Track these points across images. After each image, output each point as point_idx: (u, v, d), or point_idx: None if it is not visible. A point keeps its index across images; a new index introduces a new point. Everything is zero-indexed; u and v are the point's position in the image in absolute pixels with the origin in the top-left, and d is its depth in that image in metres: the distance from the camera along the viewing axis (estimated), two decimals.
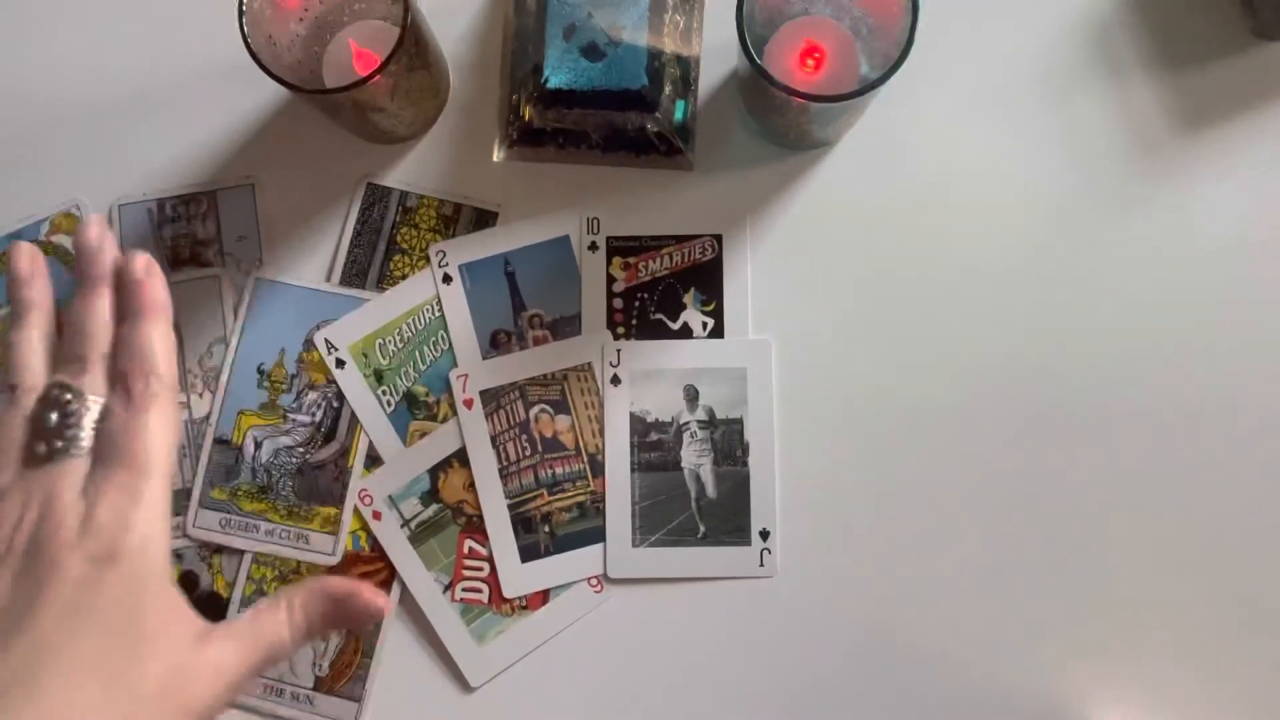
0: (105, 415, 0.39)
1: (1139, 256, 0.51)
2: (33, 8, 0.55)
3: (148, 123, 0.54)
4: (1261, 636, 0.49)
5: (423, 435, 0.51)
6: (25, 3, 0.56)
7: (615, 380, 0.51)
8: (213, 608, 0.51)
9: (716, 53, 0.53)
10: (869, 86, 0.43)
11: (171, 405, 0.40)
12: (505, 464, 0.51)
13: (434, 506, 0.51)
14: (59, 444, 0.38)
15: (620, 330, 0.52)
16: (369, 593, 0.41)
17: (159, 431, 0.39)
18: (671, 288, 0.52)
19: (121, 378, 0.39)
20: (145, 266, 0.41)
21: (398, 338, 0.52)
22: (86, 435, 0.38)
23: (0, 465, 0.38)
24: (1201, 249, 0.51)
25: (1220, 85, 0.51)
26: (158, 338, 0.40)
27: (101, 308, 0.41)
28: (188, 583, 0.51)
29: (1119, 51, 0.52)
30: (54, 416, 0.38)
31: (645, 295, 0.52)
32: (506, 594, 0.50)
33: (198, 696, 0.37)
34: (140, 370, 0.39)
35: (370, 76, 0.44)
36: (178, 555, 0.51)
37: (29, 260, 0.42)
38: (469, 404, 0.51)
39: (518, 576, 0.50)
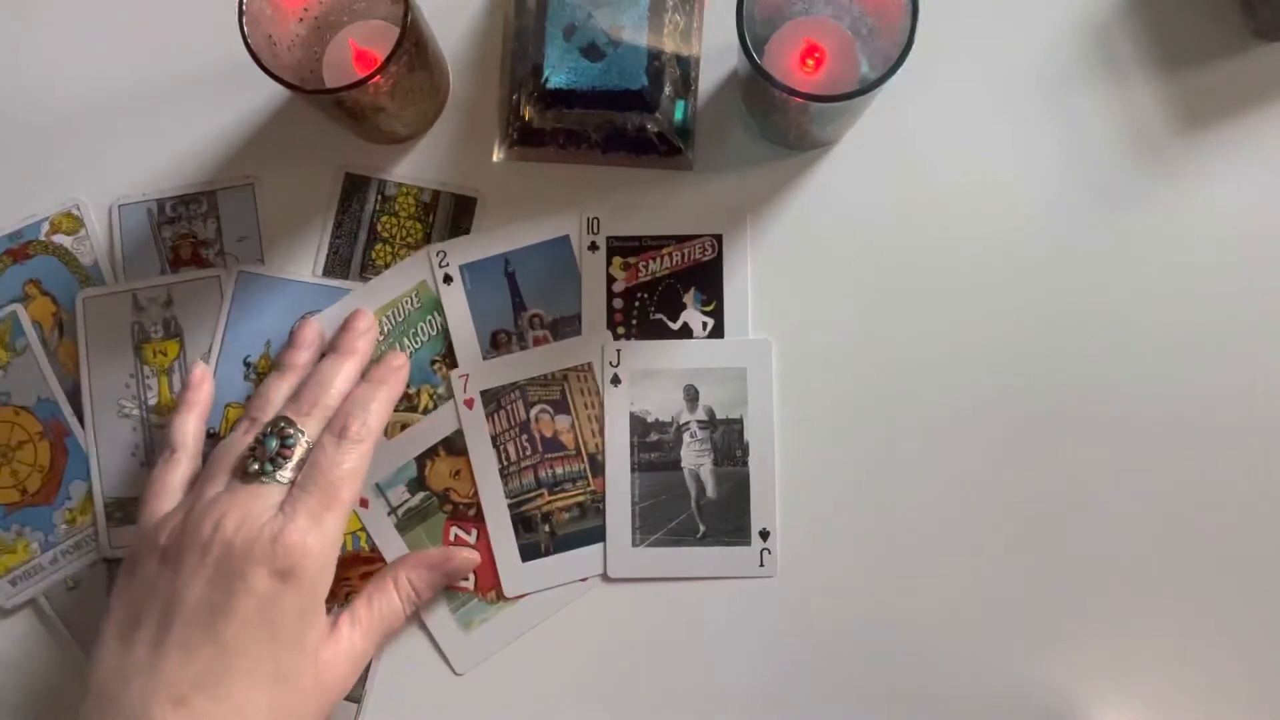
0: (314, 450, 0.45)
1: (1139, 257, 0.51)
2: (32, 7, 0.55)
3: (148, 123, 0.54)
4: (1264, 637, 0.49)
5: (402, 427, 0.51)
6: (25, 2, 0.56)
7: (615, 380, 0.51)
8: None
9: (716, 53, 0.53)
10: (869, 86, 0.43)
11: (369, 454, 0.46)
12: (506, 464, 0.51)
13: (421, 494, 0.51)
14: (269, 466, 0.44)
15: (620, 330, 0.52)
16: (459, 552, 0.49)
17: (354, 471, 0.45)
18: (671, 288, 0.52)
19: (341, 418, 0.46)
20: (402, 362, 0.50)
21: (378, 330, 0.52)
22: (294, 465, 0.44)
23: (218, 474, 0.45)
24: (1201, 249, 0.51)
25: (1220, 85, 0.51)
26: (382, 400, 0.48)
27: (348, 371, 0.48)
28: None
29: (1119, 51, 0.52)
30: (274, 444, 0.45)
31: (645, 295, 0.52)
32: (508, 593, 0.50)
33: (338, 681, 0.44)
34: (358, 416, 0.46)
35: (370, 76, 0.44)
36: None
37: (312, 334, 0.50)
38: (470, 404, 0.51)
39: (519, 575, 0.50)
